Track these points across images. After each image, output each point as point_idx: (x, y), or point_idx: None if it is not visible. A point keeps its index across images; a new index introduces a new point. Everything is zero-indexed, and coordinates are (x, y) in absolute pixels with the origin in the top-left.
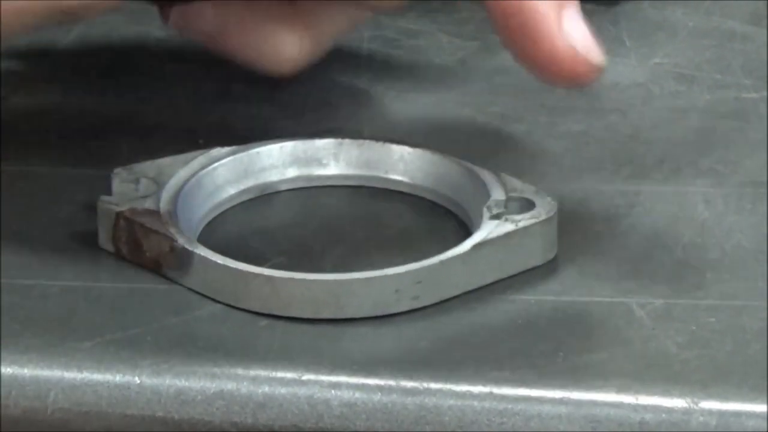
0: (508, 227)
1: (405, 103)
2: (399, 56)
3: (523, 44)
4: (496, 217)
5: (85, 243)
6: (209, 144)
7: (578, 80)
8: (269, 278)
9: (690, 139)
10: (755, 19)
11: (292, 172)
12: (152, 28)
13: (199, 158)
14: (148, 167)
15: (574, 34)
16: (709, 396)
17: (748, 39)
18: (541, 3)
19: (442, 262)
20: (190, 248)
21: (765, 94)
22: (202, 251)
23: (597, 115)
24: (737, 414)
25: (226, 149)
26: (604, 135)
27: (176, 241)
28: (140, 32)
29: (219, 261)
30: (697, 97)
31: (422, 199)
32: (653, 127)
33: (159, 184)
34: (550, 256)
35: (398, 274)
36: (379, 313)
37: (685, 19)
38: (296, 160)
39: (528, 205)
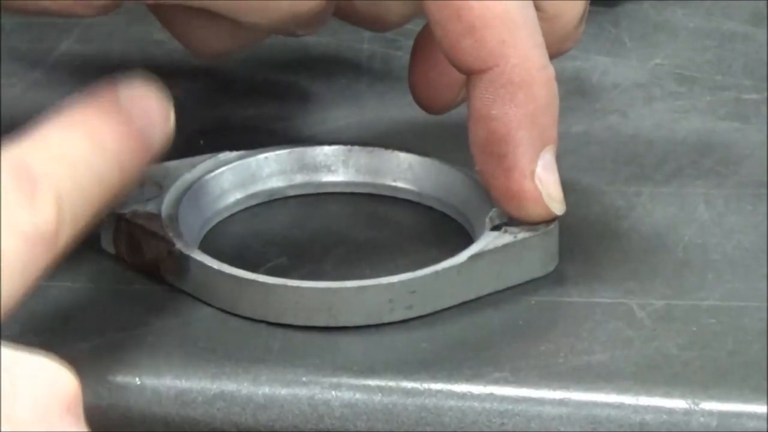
0: (506, 239)
1: (405, 104)
2: (399, 57)
3: (494, 170)
4: (497, 228)
5: (89, 245)
6: (209, 145)
7: (528, 218)
8: (263, 285)
9: (690, 139)
10: (756, 19)
11: (299, 178)
12: (152, 28)
13: (206, 162)
14: (155, 170)
15: (545, 181)
16: (710, 397)
17: (749, 40)
18: (526, 137)
19: (436, 273)
20: (186, 252)
21: (765, 95)
22: (199, 256)
23: (597, 115)
24: (738, 415)
25: (234, 154)
26: (605, 136)
27: (174, 245)
28: (140, 33)
29: (214, 266)
30: (697, 98)
31: (428, 207)
32: (654, 128)
33: (163, 187)
34: (550, 268)
35: (392, 284)
36: (373, 322)
37: (685, 19)
38: (304, 166)
39: None
